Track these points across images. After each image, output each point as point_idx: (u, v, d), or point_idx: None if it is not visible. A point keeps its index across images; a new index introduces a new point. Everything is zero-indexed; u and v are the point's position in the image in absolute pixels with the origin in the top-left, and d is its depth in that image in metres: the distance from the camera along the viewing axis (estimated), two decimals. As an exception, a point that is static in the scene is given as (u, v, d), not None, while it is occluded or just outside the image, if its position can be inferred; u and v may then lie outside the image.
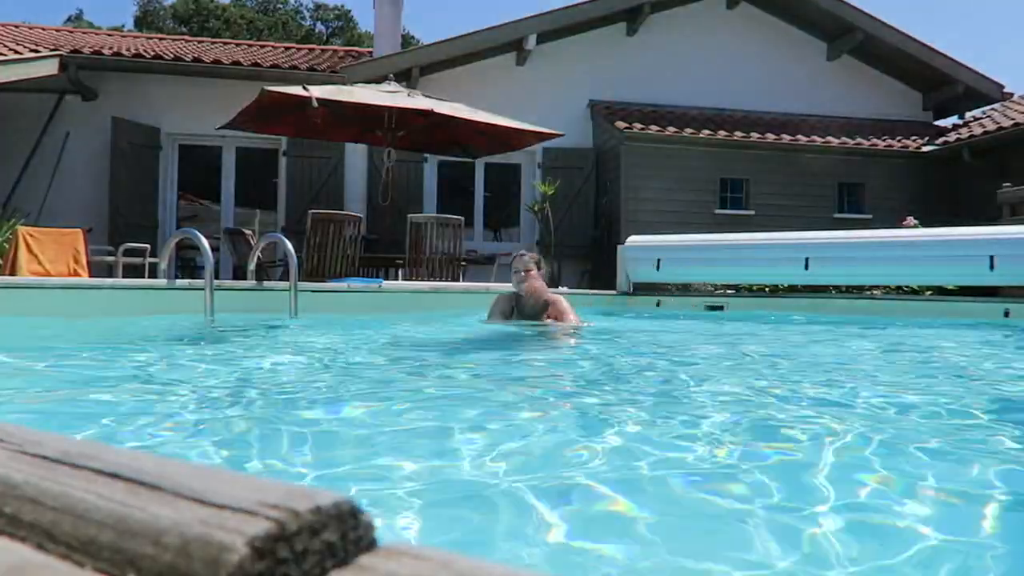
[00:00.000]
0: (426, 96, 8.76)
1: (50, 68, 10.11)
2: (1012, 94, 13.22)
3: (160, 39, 14.94)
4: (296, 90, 7.76)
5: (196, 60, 11.14)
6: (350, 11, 42.17)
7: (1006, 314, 5.97)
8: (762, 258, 7.03)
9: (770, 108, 13.04)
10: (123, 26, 35.89)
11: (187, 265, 11.67)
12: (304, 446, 1.71)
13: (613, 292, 7.96)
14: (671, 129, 11.59)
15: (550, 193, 10.96)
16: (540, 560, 1.11)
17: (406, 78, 11.06)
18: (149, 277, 8.61)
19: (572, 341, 4.67)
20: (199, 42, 14.28)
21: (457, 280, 8.36)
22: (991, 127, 11.65)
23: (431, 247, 8.22)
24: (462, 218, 8.66)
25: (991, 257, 5.92)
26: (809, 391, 2.75)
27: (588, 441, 1.81)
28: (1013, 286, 6.38)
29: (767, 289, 7.93)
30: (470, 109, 8.79)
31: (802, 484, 1.48)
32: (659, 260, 7.25)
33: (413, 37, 35.22)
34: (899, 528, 1.25)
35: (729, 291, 7.93)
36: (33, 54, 9.99)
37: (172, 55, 11.21)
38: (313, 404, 2.31)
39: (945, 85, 13.10)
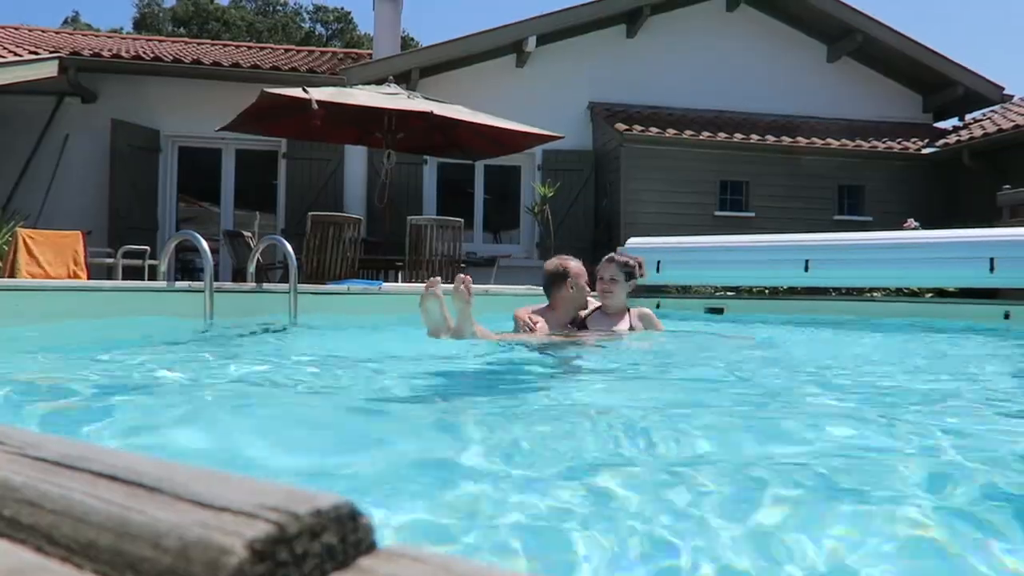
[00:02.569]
0: (426, 98, 8.77)
1: (50, 70, 10.12)
2: (1012, 96, 13.22)
3: (160, 41, 14.95)
4: (296, 92, 7.77)
5: (196, 62, 11.15)
6: (350, 13, 42.24)
7: (1006, 316, 5.97)
8: (762, 260, 7.02)
9: (770, 110, 13.04)
10: (121, 28, 35.89)
11: (186, 267, 11.66)
12: (304, 449, 1.71)
13: (613, 294, 7.95)
14: (671, 131, 11.60)
15: (550, 195, 10.96)
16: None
17: (406, 80, 11.07)
18: (149, 279, 8.61)
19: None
20: (199, 44, 14.29)
21: (457, 282, 8.35)
22: (991, 129, 11.66)
23: (431, 249, 8.22)
24: (462, 220, 8.67)
25: (991, 259, 5.92)
26: None
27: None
28: (1013, 288, 6.38)
29: (767, 291, 7.93)
30: (470, 111, 8.79)
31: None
32: (659, 262, 7.24)
33: (413, 39, 35.26)
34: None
35: (729, 293, 7.93)
36: (33, 56, 10.00)
37: (172, 57, 11.22)
38: (313, 406, 2.31)
39: (945, 87, 13.11)
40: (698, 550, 1.16)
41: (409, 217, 8.42)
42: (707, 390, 2.86)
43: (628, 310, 4.42)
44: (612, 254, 4.54)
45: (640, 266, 4.50)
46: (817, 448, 1.80)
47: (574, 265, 4.37)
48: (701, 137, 11.59)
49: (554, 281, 4.34)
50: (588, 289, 4.37)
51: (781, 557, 1.15)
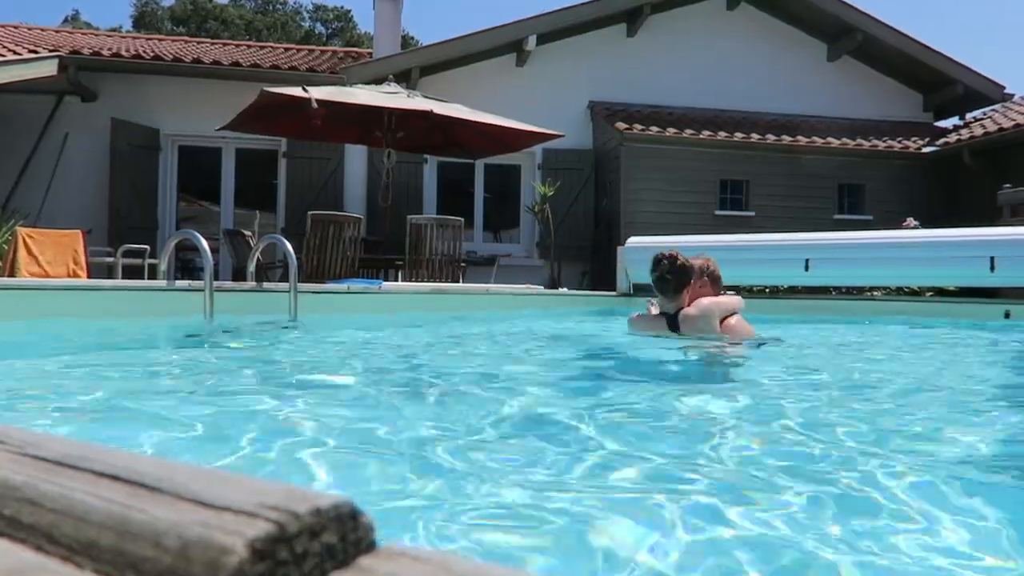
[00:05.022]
0: (426, 97, 8.76)
1: (50, 69, 10.11)
2: (1012, 95, 13.21)
3: (160, 40, 14.95)
4: (295, 91, 7.76)
5: (196, 61, 11.14)
6: (349, 11, 42.21)
7: (1006, 315, 5.97)
8: (762, 259, 7.02)
9: (770, 109, 13.03)
10: (120, 27, 35.89)
11: (186, 266, 11.66)
12: (304, 448, 1.71)
13: (613, 293, 7.96)
14: (671, 130, 11.59)
15: (550, 194, 10.96)
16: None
17: (406, 79, 11.06)
18: (149, 278, 8.61)
19: None
20: (199, 43, 14.28)
21: (457, 281, 8.36)
22: (991, 128, 11.65)
23: (431, 248, 8.21)
24: (462, 219, 8.66)
25: (991, 258, 5.92)
26: None
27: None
28: (1013, 287, 6.38)
29: (767, 290, 7.93)
30: (470, 110, 8.79)
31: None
32: (659, 261, 7.23)
33: (413, 38, 35.24)
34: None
35: (729, 292, 7.92)
36: (32, 55, 9.99)
37: (172, 56, 11.21)
38: (313, 406, 2.31)
39: (945, 86, 13.10)
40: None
41: (409, 216, 8.42)
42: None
43: None
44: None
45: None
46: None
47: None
48: (701, 136, 11.58)
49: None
50: None
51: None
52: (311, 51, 14.71)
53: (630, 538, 1.20)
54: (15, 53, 9.91)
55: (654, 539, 1.19)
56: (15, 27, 13.70)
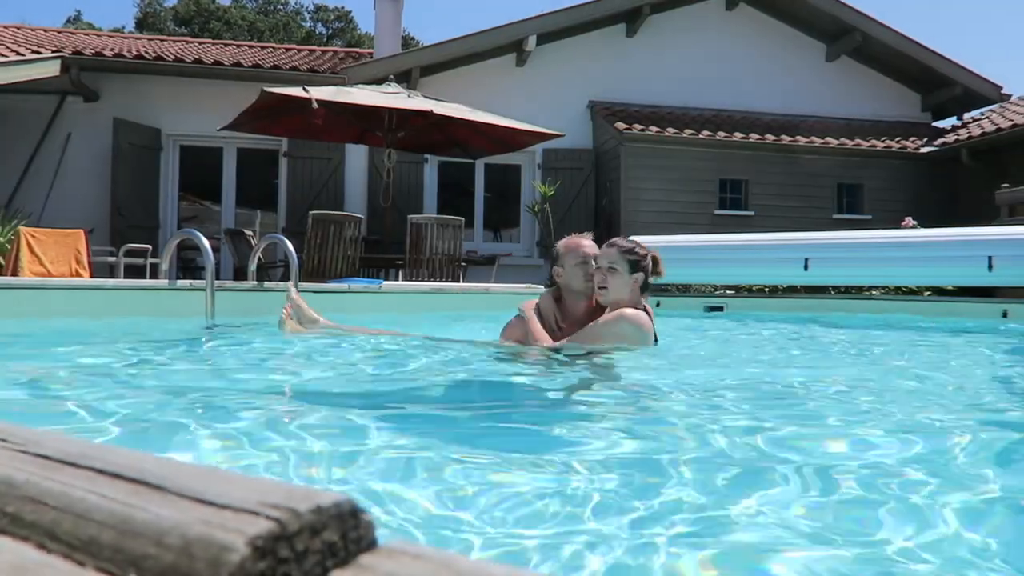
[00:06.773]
0: (426, 97, 8.76)
1: (52, 69, 10.12)
2: (1010, 95, 13.22)
3: (161, 40, 14.95)
4: (296, 91, 7.76)
5: (197, 61, 11.14)
6: (350, 12, 42.25)
7: (1004, 315, 5.97)
8: (762, 259, 7.02)
9: (769, 109, 13.04)
10: (123, 28, 35.89)
11: (188, 266, 11.67)
12: (305, 448, 1.71)
13: (613, 293, 7.93)
14: (671, 130, 11.59)
15: (550, 194, 10.95)
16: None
17: (406, 79, 11.06)
18: (150, 278, 8.61)
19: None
20: (200, 43, 14.28)
21: (457, 281, 8.36)
22: (989, 128, 11.66)
23: (431, 248, 8.22)
24: (462, 219, 8.66)
25: (989, 258, 5.92)
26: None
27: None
28: (1011, 287, 6.38)
29: (767, 290, 7.93)
30: (470, 110, 8.78)
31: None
32: (659, 261, 7.23)
33: (413, 38, 35.25)
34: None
35: (728, 291, 7.93)
36: (35, 55, 9.99)
37: (173, 56, 11.21)
38: (314, 405, 2.31)
39: (943, 86, 13.11)
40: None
41: (409, 216, 8.42)
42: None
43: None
44: (615, 238, 3.47)
45: (654, 260, 3.39)
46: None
47: (565, 242, 3.53)
48: (701, 136, 11.58)
49: (553, 263, 3.53)
50: (584, 274, 3.42)
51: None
52: (312, 51, 14.72)
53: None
54: (18, 54, 9.91)
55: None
56: (18, 27, 13.70)
